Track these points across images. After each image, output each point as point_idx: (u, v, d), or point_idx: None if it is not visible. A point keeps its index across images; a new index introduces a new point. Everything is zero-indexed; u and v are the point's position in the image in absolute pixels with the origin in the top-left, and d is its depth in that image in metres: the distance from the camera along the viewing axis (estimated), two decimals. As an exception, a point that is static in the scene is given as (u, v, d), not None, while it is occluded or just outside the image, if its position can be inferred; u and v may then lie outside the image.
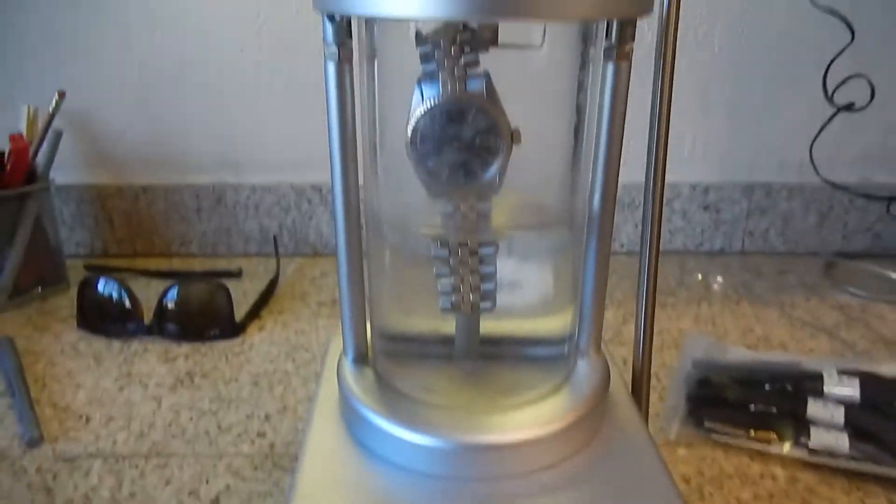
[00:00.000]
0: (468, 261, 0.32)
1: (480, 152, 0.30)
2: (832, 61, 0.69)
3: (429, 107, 0.29)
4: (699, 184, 0.78)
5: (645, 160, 0.36)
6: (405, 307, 0.37)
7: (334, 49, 0.30)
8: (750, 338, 0.61)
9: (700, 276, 0.75)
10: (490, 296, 0.33)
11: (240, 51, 0.73)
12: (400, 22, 0.30)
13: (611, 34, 0.30)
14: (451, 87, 0.29)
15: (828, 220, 0.79)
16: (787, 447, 0.46)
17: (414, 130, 0.29)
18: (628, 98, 0.31)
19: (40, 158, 0.68)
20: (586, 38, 0.31)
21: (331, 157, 0.32)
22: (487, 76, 0.29)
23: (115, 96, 0.74)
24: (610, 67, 0.30)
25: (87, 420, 0.49)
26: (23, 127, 0.68)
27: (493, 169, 0.30)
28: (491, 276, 0.32)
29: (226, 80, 0.74)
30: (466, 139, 0.29)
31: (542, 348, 0.38)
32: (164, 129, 0.76)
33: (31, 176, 0.67)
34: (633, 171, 0.65)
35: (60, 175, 0.75)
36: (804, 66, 0.74)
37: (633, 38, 0.29)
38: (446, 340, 0.36)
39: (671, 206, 0.79)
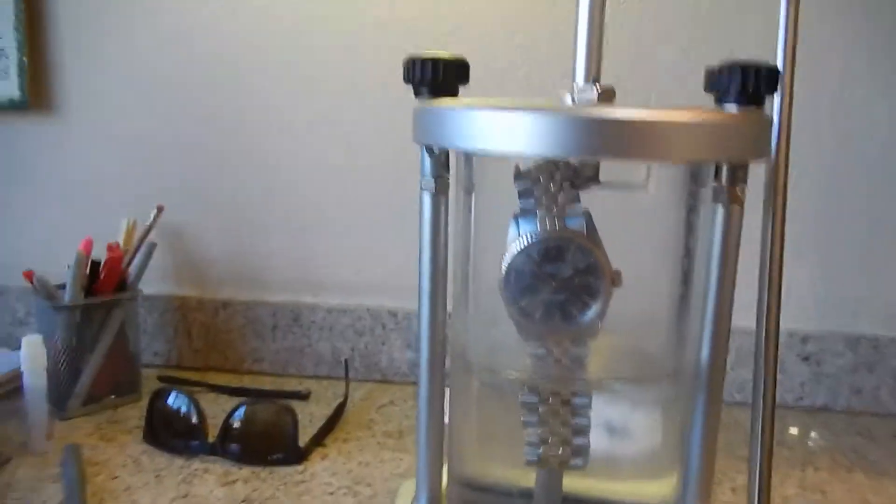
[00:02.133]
0: (560, 410, 0.29)
1: (578, 293, 0.28)
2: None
3: (525, 243, 0.27)
4: (796, 332, 0.73)
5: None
6: (487, 453, 0.34)
7: (431, 181, 0.29)
8: (868, 514, 0.54)
9: (795, 431, 0.68)
10: (582, 452, 0.29)
11: (330, 180, 0.75)
12: (500, 157, 0.29)
13: (721, 175, 0.28)
14: (549, 223, 0.28)
15: (948, 382, 0.71)
16: None
17: (508, 267, 0.28)
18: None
19: (132, 269, 0.70)
20: (696, 179, 0.29)
21: (420, 288, 0.31)
22: (588, 214, 0.28)
23: (208, 215, 0.78)
24: (720, 210, 0.28)
25: (138, 545, 0.47)
26: (121, 238, 0.72)
27: (592, 312, 0.28)
28: (584, 430, 0.29)
29: (312, 203, 0.76)
30: (564, 279, 0.28)
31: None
32: (250, 248, 0.78)
33: (121, 285, 0.69)
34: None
35: (150, 285, 0.77)
36: (912, 214, 0.70)
37: (746, 181, 0.27)
38: (525, 495, 0.33)
39: (766, 354, 0.73)
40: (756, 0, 0.68)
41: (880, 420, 0.71)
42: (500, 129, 0.24)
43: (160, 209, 0.73)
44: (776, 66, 0.26)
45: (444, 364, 0.32)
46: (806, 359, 0.73)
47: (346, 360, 0.76)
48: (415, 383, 0.76)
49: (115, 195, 0.79)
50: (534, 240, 0.27)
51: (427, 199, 0.30)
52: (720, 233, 0.28)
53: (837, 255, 0.72)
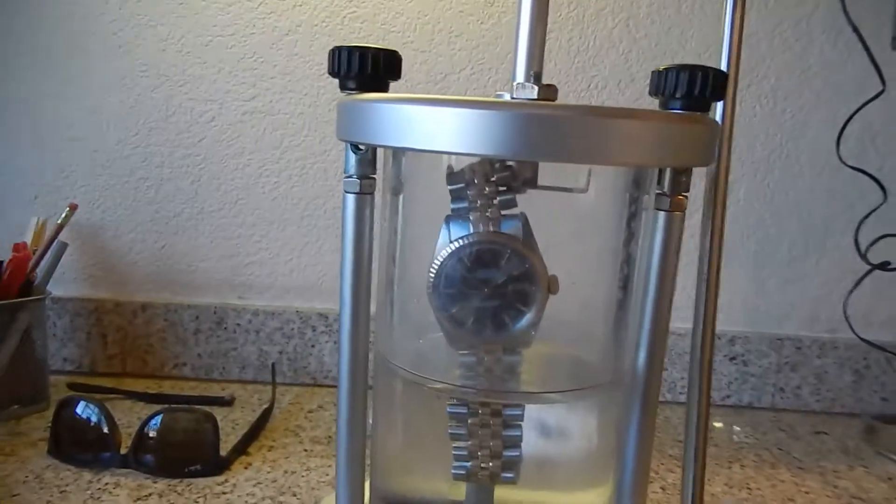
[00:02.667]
0: (490, 422, 0.28)
1: (512, 301, 0.26)
2: (863, 220, 0.67)
3: (457, 247, 0.26)
4: (725, 333, 0.74)
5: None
6: (413, 466, 0.32)
7: (356, 182, 0.27)
8: (792, 511, 0.55)
9: (720, 425, 0.69)
10: (513, 465, 0.28)
11: (259, 176, 0.72)
12: (431, 156, 0.27)
13: (663, 182, 0.27)
14: (483, 226, 0.26)
15: (865, 380, 0.73)
16: None
17: (438, 271, 0.26)
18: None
19: (41, 269, 0.65)
20: (639, 184, 0.28)
21: (341, 295, 0.29)
22: (524, 218, 0.27)
23: (129, 212, 0.73)
24: (661, 218, 0.27)
25: (37, 570, 0.43)
26: (29, 237, 0.66)
27: (526, 320, 0.26)
28: (516, 442, 0.28)
29: (241, 203, 0.73)
30: (497, 285, 0.26)
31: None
32: (173, 248, 0.74)
33: (28, 287, 0.64)
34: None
35: (59, 286, 0.72)
36: (834, 223, 0.72)
37: (689, 189, 0.27)
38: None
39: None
40: (697, 9, 0.69)
41: (802, 417, 0.74)
42: (428, 125, 0.22)
43: (73, 207, 0.68)
44: (724, 71, 0.25)
45: (366, 375, 0.30)
46: (733, 359, 0.74)
47: (272, 364, 0.73)
48: (346, 387, 0.74)
49: (26, 193, 0.73)
50: (466, 243, 0.26)
51: (351, 201, 0.28)
52: (660, 240, 0.27)
53: (766, 261, 0.74)
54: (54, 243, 0.66)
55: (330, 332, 0.74)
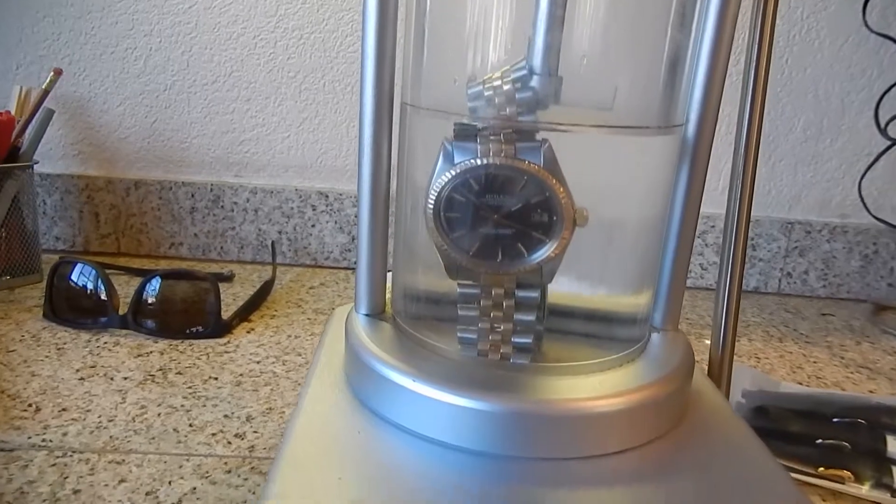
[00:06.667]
0: (502, 304, 0.25)
1: (528, 232, 0.23)
2: (885, 93, 0.65)
3: (461, 170, 0.22)
4: (734, 217, 0.72)
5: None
6: (436, 260, 0.30)
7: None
8: (800, 375, 0.55)
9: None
10: (525, 350, 0.25)
11: (254, 46, 0.68)
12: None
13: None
14: (495, 151, 0.23)
15: (873, 265, 0.73)
16: (866, 487, 0.38)
17: (437, 200, 0.23)
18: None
19: (27, 137, 0.63)
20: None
21: (361, 93, 0.26)
22: (546, 144, 0.23)
23: (116, 84, 0.70)
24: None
25: (37, 409, 0.42)
26: (13, 106, 0.63)
27: (542, 253, 0.23)
28: (530, 326, 0.25)
29: (236, 76, 0.69)
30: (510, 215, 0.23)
31: (603, 325, 0.30)
32: (165, 123, 0.71)
33: (14, 154, 0.62)
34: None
35: (48, 164, 0.70)
36: (851, 101, 0.70)
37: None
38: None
39: (704, 239, 0.73)
40: None
41: (808, 301, 0.73)
42: None
43: (57, 72, 0.64)
44: None
45: (390, 149, 0.28)
46: (741, 244, 0.73)
47: (272, 242, 0.71)
48: (347, 268, 0.72)
49: (7, 63, 0.69)
50: (476, 166, 0.23)
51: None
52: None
53: (779, 141, 0.72)
54: (40, 109, 0.63)
55: (330, 211, 0.71)
